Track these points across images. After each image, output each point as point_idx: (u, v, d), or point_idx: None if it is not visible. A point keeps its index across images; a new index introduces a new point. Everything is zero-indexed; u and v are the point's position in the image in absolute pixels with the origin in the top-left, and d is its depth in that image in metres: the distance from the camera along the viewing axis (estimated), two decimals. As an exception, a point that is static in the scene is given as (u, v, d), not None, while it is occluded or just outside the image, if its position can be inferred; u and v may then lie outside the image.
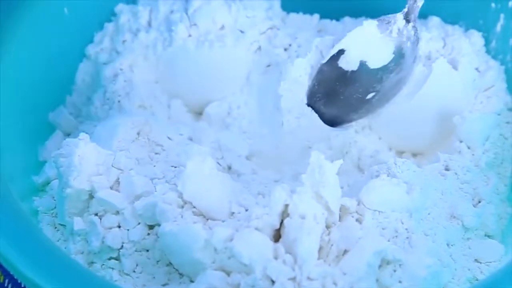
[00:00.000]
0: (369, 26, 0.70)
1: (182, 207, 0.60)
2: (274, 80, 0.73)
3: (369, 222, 0.60)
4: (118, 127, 0.68)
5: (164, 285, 0.60)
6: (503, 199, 0.68)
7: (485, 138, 0.69)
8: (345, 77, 0.70)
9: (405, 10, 0.69)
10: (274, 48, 0.75)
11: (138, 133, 0.69)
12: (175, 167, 0.65)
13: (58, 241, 0.62)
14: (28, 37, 0.70)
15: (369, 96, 0.70)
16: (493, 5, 0.75)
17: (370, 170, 0.65)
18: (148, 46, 0.75)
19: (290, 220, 0.57)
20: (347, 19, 0.79)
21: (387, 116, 0.72)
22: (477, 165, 0.68)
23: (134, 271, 0.61)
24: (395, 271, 0.58)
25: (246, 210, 0.61)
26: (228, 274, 0.57)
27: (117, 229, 0.61)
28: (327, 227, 0.59)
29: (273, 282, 0.55)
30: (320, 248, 0.57)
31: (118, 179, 0.63)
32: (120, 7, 0.77)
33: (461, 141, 0.69)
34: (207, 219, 0.61)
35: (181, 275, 0.60)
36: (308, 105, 0.70)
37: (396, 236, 0.60)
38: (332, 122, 0.71)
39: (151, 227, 0.61)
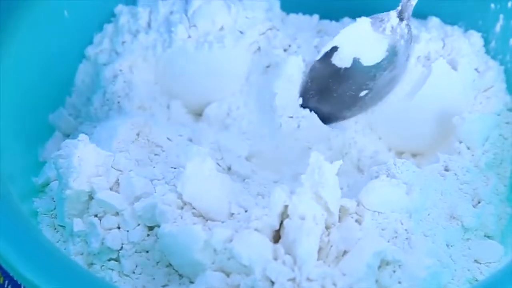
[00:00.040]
0: (363, 23, 0.70)
1: (182, 208, 0.60)
2: (273, 81, 0.73)
3: (368, 222, 0.60)
4: (118, 128, 0.68)
5: (164, 286, 0.60)
6: (503, 199, 0.68)
7: (485, 139, 0.69)
8: (338, 74, 0.70)
9: (399, 8, 0.69)
10: (274, 49, 0.75)
11: (138, 134, 0.69)
12: (175, 168, 0.65)
13: (57, 242, 0.63)
14: (27, 38, 0.70)
15: (362, 93, 0.70)
16: (492, 5, 0.75)
17: (370, 170, 0.65)
18: (148, 47, 0.75)
19: (290, 221, 0.57)
20: (346, 20, 0.79)
21: (386, 117, 0.72)
22: (476, 166, 0.68)
23: (133, 272, 0.61)
24: (394, 271, 0.58)
25: (246, 211, 0.61)
26: (227, 275, 0.57)
27: (116, 230, 0.61)
28: (327, 228, 0.59)
29: (272, 283, 0.55)
30: (320, 249, 0.57)
31: (118, 180, 0.63)
32: (120, 8, 0.77)
33: (460, 142, 0.69)
34: (207, 220, 0.61)
35: (180, 276, 0.60)
36: (304, 106, 0.70)
37: (396, 237, 0.60)
38: (325, 119, 0.71)
39: (150, 228, 0.61)
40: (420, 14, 0.76)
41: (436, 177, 0.66)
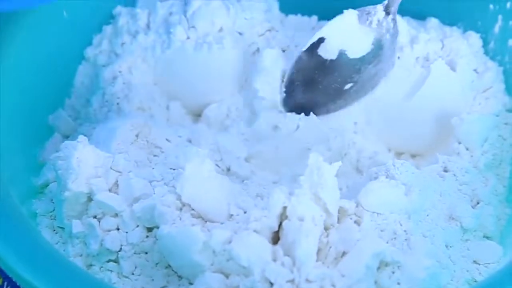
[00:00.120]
0: (350, 15, 0.70)
1: (181, 209, 0.60)
2: (254, 76, 0.72)
3: (367, 224, 0.60)
4: (117, 129, 0.68)
5: (163, 287, 0.60)
6: (502, 200, 0.68)
7: (484, 139, 0.69)
8: (324, 66, 0.70)
9: (385, 2, 0.69)
10: (272, 50, 0.75)
11: (137, 135, 0.69)
12: (174, 169, 0.65)
13: (56, 243, 0.62)
14: (27, 39, 0.70)
15: (347, 86, 0.70)
16: (491, 6, 0.75)
17: (369, 171, 0.65)
18: (147, 48, 0.75)
19: (289, 222, 0.57)
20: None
21: (386, 118, 0.72)
22: (475, 166, 0.68)
23: (132, 274, 0.61)
24: (393, 272, 0.58)
25: (245, 212, 0.61)
26: (226, 276, 0.57)
27: (115, 231, 0.61)
28: (326, 229, 0.59)
29: (271, 284, 0.55)
30: (319, 250, 0.57)
31: (117, 181, 0.63)
32: (119, 10, 0.77)
33: (459, 143, 0.69)
34: (206, 221, 0.61)
35: (180, 277, 0.60)
36: (289, 97, 0.70)
37: (395, 238, 0.60)
38: (309, 111, 0.71)
39: (149, 229, 0.61)
40: (419, 15, 0.76)
41: (435, 178, 0.66)
